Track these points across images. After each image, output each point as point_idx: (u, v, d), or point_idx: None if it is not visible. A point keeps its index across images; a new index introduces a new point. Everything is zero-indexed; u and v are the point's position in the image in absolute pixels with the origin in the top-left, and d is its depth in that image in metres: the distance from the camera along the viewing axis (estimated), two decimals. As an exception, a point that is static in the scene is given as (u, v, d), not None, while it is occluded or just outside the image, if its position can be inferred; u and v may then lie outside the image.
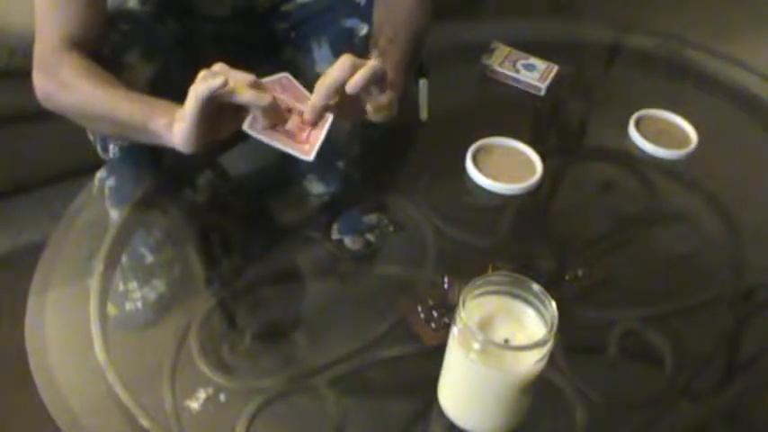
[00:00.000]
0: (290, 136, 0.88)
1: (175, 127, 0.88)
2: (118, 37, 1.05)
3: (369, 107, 0.94)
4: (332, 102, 0.89)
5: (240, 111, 0.88)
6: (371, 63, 0.90)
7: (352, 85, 0.88)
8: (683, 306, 0.93)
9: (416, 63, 1.08)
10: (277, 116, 0.89)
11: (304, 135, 0.89)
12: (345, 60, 0.89)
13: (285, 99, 0.90)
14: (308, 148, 0.88)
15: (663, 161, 1.09)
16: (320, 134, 0.88)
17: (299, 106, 0.90)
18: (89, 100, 0.97)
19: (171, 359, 0.84)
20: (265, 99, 0.85)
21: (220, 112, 0.88)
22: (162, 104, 0.92)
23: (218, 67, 0.88)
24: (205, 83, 0.85)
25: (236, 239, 1.00)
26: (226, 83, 0.84)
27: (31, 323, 0.87)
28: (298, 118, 0.89)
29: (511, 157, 1.05)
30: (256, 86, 0.87)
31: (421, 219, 0.99)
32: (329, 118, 0.89)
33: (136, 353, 0.88)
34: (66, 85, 0.98)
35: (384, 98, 0.92)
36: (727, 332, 0.91)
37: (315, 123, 0.89)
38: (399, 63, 1.00)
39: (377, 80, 0.90)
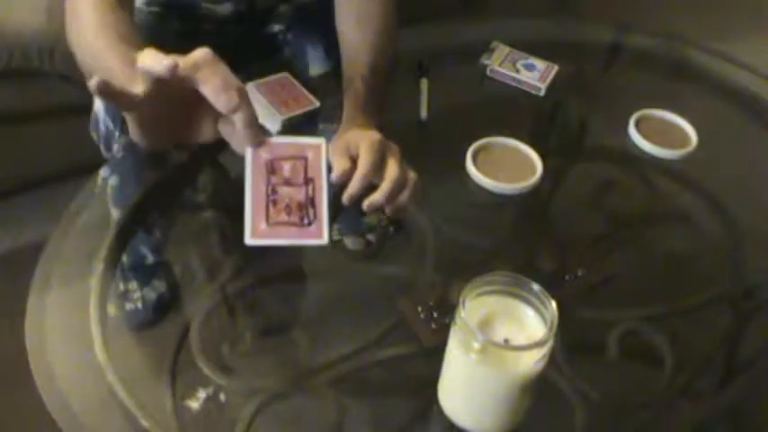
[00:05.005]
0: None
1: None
2: None
3: (387, 208, 0.91)
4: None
5: (210, 113, 0.76)
6: (415, 180, 0.90)
7: (397, 203, 0.89)
8: (683, 306, 0.93)
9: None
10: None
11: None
12: (396, 174, 0.88)
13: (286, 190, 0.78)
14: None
15: (663, 161, 1.09)
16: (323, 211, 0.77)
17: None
18: (88, 30, 0.88)
19: (171, 359, 0.84)
20: (162, 67, 0.70)
21: (182, 110, 0.77)
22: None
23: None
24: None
25: (236, 240, 1.00)
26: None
27: (31, 323, 0.87)
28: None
29: (511, 157, 1.05)
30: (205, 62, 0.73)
31: (421, 219, 0.99)
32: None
33: (136, 353, 0.88)
34: (76, 14, 0.90)
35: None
36: (727, 332, 0.91)
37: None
38: (384, 98, 1.00)
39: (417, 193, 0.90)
